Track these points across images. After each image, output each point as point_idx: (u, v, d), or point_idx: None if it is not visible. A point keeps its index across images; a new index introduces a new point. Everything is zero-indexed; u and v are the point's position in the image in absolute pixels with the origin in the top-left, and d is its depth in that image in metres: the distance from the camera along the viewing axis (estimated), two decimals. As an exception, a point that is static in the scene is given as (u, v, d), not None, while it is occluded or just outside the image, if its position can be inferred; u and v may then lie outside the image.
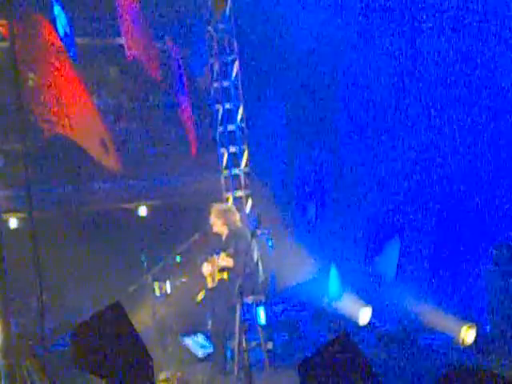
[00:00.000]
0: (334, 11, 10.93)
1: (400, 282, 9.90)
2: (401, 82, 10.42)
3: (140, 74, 12.08)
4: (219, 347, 8.09)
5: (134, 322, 3.83)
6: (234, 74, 11.05)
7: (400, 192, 10.61)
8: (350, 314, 9.42)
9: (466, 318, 8.44)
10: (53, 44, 9.48)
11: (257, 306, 8.61)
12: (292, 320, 10.10)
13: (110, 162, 9.79)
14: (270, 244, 10.02)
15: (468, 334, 8.26)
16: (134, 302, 8.08)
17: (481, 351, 8.07)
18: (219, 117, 11.12)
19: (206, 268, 8.35)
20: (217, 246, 8.39)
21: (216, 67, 11.12)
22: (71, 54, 9.83)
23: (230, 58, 11.05)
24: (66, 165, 11.64)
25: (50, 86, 9.40)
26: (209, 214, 8.47)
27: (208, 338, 8.81)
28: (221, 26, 10.92)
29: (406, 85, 10.37)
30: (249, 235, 7.70)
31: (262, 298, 8.84)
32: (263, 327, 8.62)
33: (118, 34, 11.02)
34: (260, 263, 8.44)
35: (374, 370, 3.29)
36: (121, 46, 11.14)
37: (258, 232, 8.27)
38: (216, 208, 8.44)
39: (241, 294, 7.01)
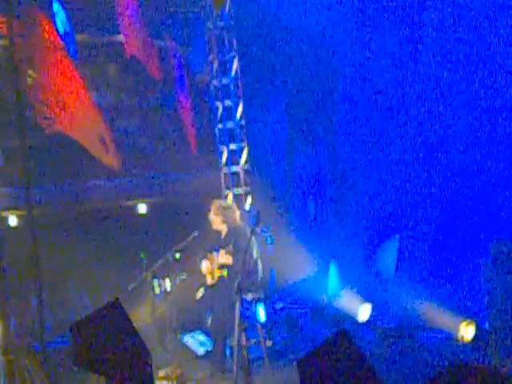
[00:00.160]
0: (335, 8, 10.90)
1: (399, 279, 9.89)
2: (402, 81, 10.41)
3: (139, 72, 12.05)
4: (219, 344, 8.09)
5: (133, 320, 3.83)
6: (233, 72, 11.06)
7: (399, 189, 10.61)
8: (349, 310, 9.42)
9: (465, 314, 8.44)
10: (52, 41, 9.47)
11: (256, 303, 8.61)
12: (291, 317, 10.10)
13: (110, 159, 9.80)
14: (269, 241, 10.03)
15: (467, 331, 8.26)
16: (133, 300, 8.08)
17: (480, 348, 8.07)
18: (219, 114, 11.14)
19: (206, 265, 8.36)
20: (216, 243, 8.40)
21: (215, 64, 11.13)
22: (70, 51, 9.83)
23: (229, 56, 11.06)
24: (66, 162, 11.62)
25: (50, 83, 9.39)
26: (208, 211, 8.49)
27: (207, 335, 8.81)
28: (220, 23, 10.93)
29: (407, 84, 10.36)
30: (248, 232, 7.70)
31: (262, 296, 8.83)
32: (263, 324, 8.62)
33: (118, 32, 11.01)
34: (259, 260, 8.44)
35: (373, 366, 3.30)
36: (120, 43, 11.15)
37: (258, 229, 8.28)
38: (215, 205, 8.45)
39: (240, 291, 7.01)
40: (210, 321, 8.42)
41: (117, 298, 3.89)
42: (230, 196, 11.03)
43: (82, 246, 10.67)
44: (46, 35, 9.43)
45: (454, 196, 9.83)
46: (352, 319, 9.33)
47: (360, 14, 10.80)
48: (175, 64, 11.51)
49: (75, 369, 3.86)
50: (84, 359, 3.63)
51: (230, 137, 11.09)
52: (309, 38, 11.39)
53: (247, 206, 11.04)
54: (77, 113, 9.48)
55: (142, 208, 12.46)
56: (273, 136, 12.64)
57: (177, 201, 12.68)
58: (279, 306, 10.58)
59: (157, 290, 8.52)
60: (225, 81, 11.10)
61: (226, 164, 11.11)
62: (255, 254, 8.27)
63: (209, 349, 8.67)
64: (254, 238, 7.79)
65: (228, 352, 8.21)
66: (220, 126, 11.10)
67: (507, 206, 9.15)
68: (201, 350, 8.86)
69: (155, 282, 8.46)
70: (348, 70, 11.40)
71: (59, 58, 9.43)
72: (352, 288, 9.68)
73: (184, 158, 12.49)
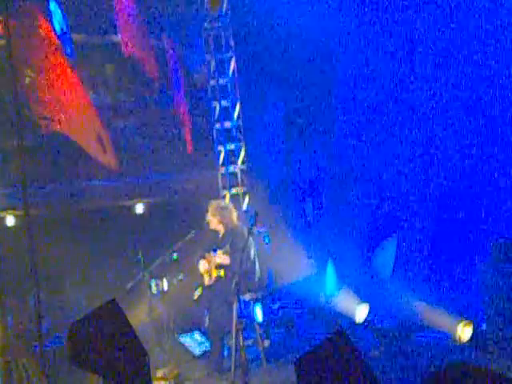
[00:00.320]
0: (332, 8, 10.90)
1: (397, 279, 9.89)
2: (401, 81, 10.41)
3: (136, 72, 12.05)
4: (216, 345, 8.09)
5: (130, 320, 3.83)
6: (230, 71, 11.05)
7: (398, 189, 10.61)
8: (346, 311, 9.42)
9: (462, 315, 8.44)
10: (49, 41, 9.47)
11: (253, 303, 8.61)
12: (289, 317, 10.10)
13: (107, 159, 9.81)
14: (266, 241, 10.03)
15: (465, 332, 8.26)
16: (130, 300, 8.08)
17: (477, 348, 8.07)
18: (216, 114, 11.12)
19: (203, 265, 8.36)
20: (214, 243, 8.39)
21: (213, 64, 11.12)
22: (68, 50, 9.82)
23: (226, 55, 11.05)
24: (63, 162, 11.61)
25: (47, 82, 9.39)
26: (206, 211, 8.48)
27: (205, 335, 8.81)
28: (217, 23, 10.92)
29: (405, 84, 10.36)
30: (246, 232, 7.70)
31: (259, 296, 8.83)
32: (260, 324, 8.63)
33: (115, 32, 11.01)
34: (257, 260, 8.43)
35: (370, 366, 3.30)
36: (117, 43, 11.14)
37: (255, 229, 8.28)
38: (213, 205, 8.44)
39: (237, 291, 7.02)
40: (207, 321, 8.41)
41: (114, 298, 3.89)
42: (228, 196, 11.03)
43: (80, 246, 10.65)
44: (44, 35, 9.44)
45: (452, 196, 9.83)
46: (349, 319, 9.33)
47: (359, 14, 10.80)
48: (172, 64, 11.51)
49: (73, 369, 3.86)
50: (81, 359, 3.62)
51: (228, 137, 11.09)
52: (306, 37, 11.38)
53: (244, 206, 11.04)
54: (74, 113, 9.48)
55: (140, 208, 12.45)
56: (270, 136, 12.64)
57: (174, 201, 12.68)
58: (276, 306, 10.58)
59: (154, 290, 8.52)
60: (222, 81, 11.09)
61: (224, 164, 11.10)
62: (252, 254, 8.27)
63: (206, 349, 8.67)
64: (251, 238, 7.79)
65: (225, 352, 8.21)
66: (217, 126, 11.09)
67: (506, 209, 9.16)
68: (198, 350, 8.86)
69: (153, 282, 8.47)
70: (346, 71, 11.40)
71: (56, 58, 9.43)
72: (349, 288, 9.68)
73: (181, 158, 12.48)
